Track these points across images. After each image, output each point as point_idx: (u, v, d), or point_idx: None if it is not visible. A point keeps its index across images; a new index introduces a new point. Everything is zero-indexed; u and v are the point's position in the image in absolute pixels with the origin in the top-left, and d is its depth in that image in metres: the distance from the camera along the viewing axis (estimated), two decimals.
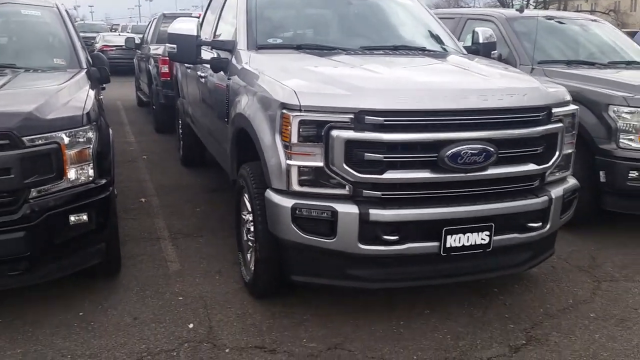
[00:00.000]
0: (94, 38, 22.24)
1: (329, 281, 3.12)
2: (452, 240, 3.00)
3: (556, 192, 3.31)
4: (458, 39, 6.41)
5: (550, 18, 6.37)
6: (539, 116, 3.15)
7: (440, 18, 6.94)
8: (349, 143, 2.85)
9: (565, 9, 46.64)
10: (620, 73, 5.26)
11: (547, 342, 3.13)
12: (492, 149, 2.99)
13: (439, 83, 3.25)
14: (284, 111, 2.91)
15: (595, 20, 6.67)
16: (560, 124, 3.28)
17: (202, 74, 4.94)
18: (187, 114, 6.34)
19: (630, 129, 4.54)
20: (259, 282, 3.42)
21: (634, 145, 4.54)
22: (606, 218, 5.00)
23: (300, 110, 2.87)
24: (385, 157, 2.87)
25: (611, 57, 5.87)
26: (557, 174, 3.41)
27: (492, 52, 4.86)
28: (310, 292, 3.55)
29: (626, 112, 4.55)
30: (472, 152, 2.94)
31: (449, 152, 2.91)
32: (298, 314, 3.36)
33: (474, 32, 4.79)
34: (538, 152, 3.18)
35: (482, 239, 3.07)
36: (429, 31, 4.60)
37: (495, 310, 3.48)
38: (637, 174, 4.52)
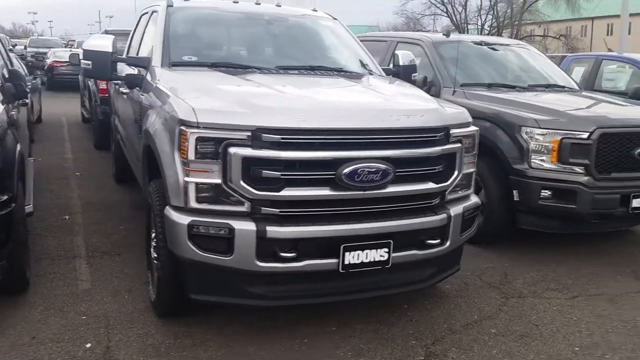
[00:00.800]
0: (45, 53, 21.76)
1: (228, 299, 3.10)
2: (351, 257, 3.04)
3: (456, 210, 3.40)
4: (389, 62, 6.60)
5: (479, 43, 6.60)
6: (436, 136, 3.24)
7: (373, 41, 7.17)
8: (247, 160, 2.87)
9: (517, 34, 48.47)
10: (536, 96, 5.48)
11: (445, 358, 3.18)
12: (389, 168, 3.05)
13: (339, 103, 3.32)
14: (182, 128, 2.91)
15: (521, 46, 6.95)
16: (459, 145, 3.38)
17: (125, 91, 4.90)
18: (117, 130, 6.26)
19: (542, 150, 4.72)
20: (161, 301, 3.38)
21: (545, 165, 4.72)
22: (522, 236, 5.15)
23: (197, 127, 2.87)
24: (283, 175, 2.90)
25: (532, 80, 6.11)
26: (459, 192, 3.51)
27: (413, 74, 4.99)
28: (217, 311, 3.52)
29: (538, 134, 4.73)
30: (370, 170, 3.00)
31: (346, 170, 2.95)
32: (201, 333, 3.32)
33: (394, 55, 4.92)
34: (437, 171, 3.27)
35: (380, 255, 3.12)
36: (349, 53, 4.70)
37: (401, 327, 3.52)
38: (548, 193, 4.69)
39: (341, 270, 3.04)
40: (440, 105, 3.47)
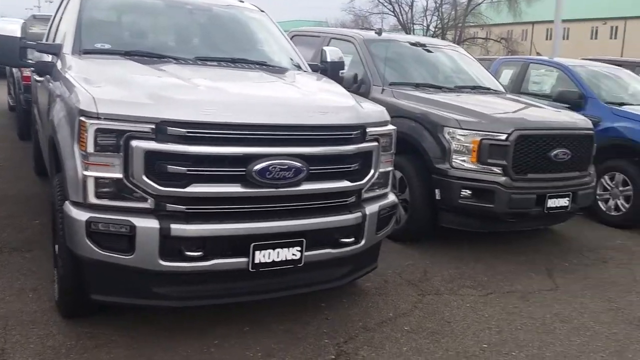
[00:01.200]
0: None
1: (131, 300, 2.97)
2: (261, 256, 2.98)
3: (371, 208, 3.40)
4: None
5: (412, 43, 6.66)
6: (351, 134, 3.22)
7: (307, 36, 7.11)
8: (150, 154, 2.75)
9: (461, 36, 49.65)
10: (461, 97, 5.57)
11: (355, 357, 3.18)
12: (303, 165, 3.01)
13: (253, 97, 3.24)
14: (82, 118, 2.76)
15: (452, 48, 7.07)
16: (376, 143, 3.38)
17: (38, 79, 4.65)
18: (35, 120, 5.95)
19: (463, 150, 4.80)
20: (64, 301, 3.21)
21: (465, 165, 4.80)
22: (445, 234, 5.24)
23: (98, 118, 2.73)
24: (189, 170, 2.80)
25: (460, 82, 6.22)
26: (376, 190, 3.51)
27: (341, 71, 4.96)
28: (126, 311, 3.38)
29: (459, 134, 4.81)
30: (282, 167, 2.95)
31: (257, 167, 2.89)
32: (106, 334, 3.18)
33: (322, 51, 4.88)
34: (352, 169, 3.25)
35: (293, 254, 3.07)
36: (273, 47, 4.63)
37: (316, 325, 3.49)
38: (468, 192, 4.78)
39: (251, 270, 2.97)
40: (357, 103, 3.45)
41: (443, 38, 49.77)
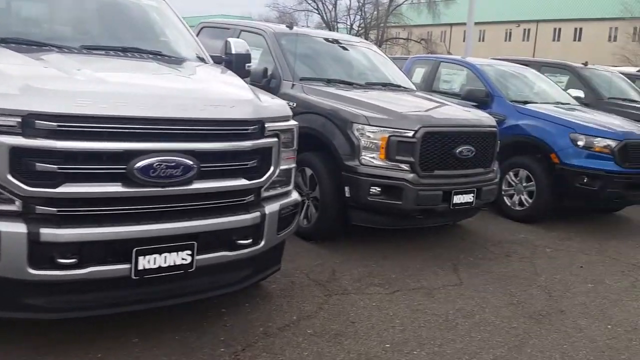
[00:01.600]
0: None
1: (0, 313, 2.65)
2: (146, 262, 2.74)
3: (271, 207, 3.24)
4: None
5: (326, 39, 6.56)
6: (248, 130, 3.05)
7: (217, 28, 6.85)
8: (16, 151, 2.46)
9: (383, 35, 50.60)
10: (371, 94, 5.53)
11: None
12: (193, 162, 2.80)
13: (137, 88, 2.98)
14: None
15: (366, 45, 7.04)
16: (275, 139, 3.23)
17: None
18: None
19: (372, 147, 4.75)
20: None
21: (375, 162, 4.75)
22: (356, 232, 5.18)
23: None
24: (61, 168, 2.52)
25: (372, 79, 6.19)
26: (277, 189, 3.36)
27: (247, 64, 4.76)
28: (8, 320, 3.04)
29: (368, 131, 4.75)
30: (168, 165, 2.73)
31: (139, 164, 2.65)
32: None
33: (226, 42, 4.66)
34: (249, 166, 3.08)
35: (182, 259, 2.86)
36: (171, 37, 4.36)
37: (213, 333, 3.29)
38: (377, 189, 4.73)
39: (134, 277, 2.73)
40: (256, 97, 3.28)
41: (366, 37, 50.73)
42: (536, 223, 6.43)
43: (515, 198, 6.60)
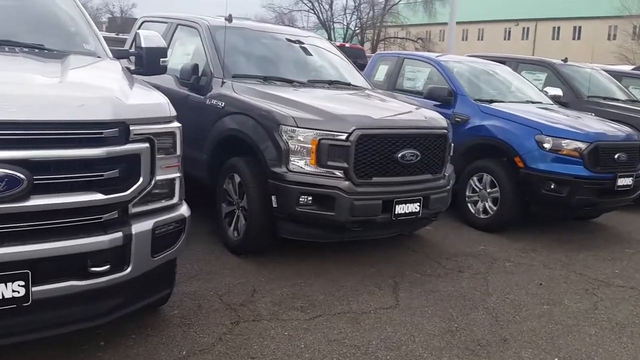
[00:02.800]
0: None
1: None
2: None
3: (141, 226, 2.74)
4: (168, 45, 5.83)
5: (269, 32, 6.09)
6: (100, 134, 2.54)
7: (156, 22, 6.36)
8: None
9: (379, 35, 50.05)
10: (309, 92, 5.02)
11: None
12: (21, 174, 2.30)
13: None
14: None
15: (316, 39, 6.52)
16: (146, 145, 2.72)
17: None
18: None
19: (301, 152, 4.24)
20: None
21: (305, 168, 4.24)
22: (291, 245, 4.67)
23: None
24: None
25: (316, 76, 5.67)
26: (152, 203, 2.85)
27: (162, 59, 4.25)
28: None
29: (296, 134, 4.24)
30: None
31: None
32: None
33: (135, 35, 4.16)
34: (105, 178, 2.57)
35: (14, 290, 2.36)
36: (63, 28, 3.86)
37: None
38: (307, 198, 4.22)
39: None
40: (121, 95, 2.77)
41: (362, 37, 50.20)
42: (501, 232, 5.91)
43: (480, 205, 6.08)
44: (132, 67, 4.04)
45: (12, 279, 2.35)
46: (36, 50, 3.40)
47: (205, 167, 5.05)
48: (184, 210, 3.05)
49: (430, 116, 4.91)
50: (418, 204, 4.56)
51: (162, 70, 4.27)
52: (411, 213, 4.54)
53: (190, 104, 5.25)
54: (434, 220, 5.22)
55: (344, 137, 4.22)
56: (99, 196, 2.56)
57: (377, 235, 4.78)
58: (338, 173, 4.25)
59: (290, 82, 5.24)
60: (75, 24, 3.97)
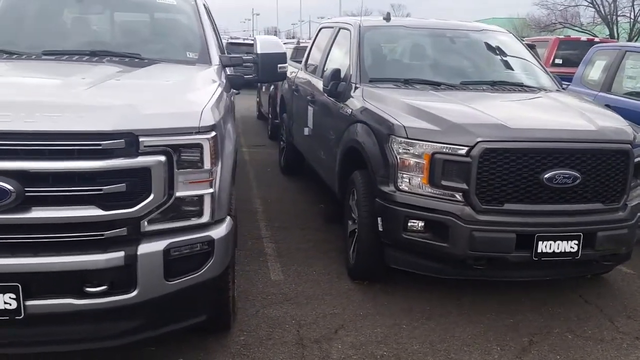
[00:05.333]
0: None
1: None
2: None
3: (149, 246, 2.49)
4: (328, 49, 5.64)
5: (436, 29, 5.38)
6: (99, 145, 2.36)
7: (329, 28, 6.20)
8: None
9: None
10: (450, 96, 4.20)
11: None
12: (8, 186, 2.24)
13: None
14: None
15: (501, 32, 5.54)
16: (160, 158, 2.46)
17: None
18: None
19: (412, 167, 3.53)
20: None
21: (416, 188, 3.52)
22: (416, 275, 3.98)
23: None
24: None
25: (476, 76, 4.77)
26: (174, 222, 2.58)
27: (280, 65, 4.01)
28: None
29: (408, 146, 3.55)
30: None
31: None
32: None
33: (254, 41, 4.01)
34: (105, 192, 2.38)
35: (5, 302, 2.33)
36: (171, 37, 3.87)
37: None
38: (417, 224, 3.51)
39: None
40: (144, 103, 2.57)
41: None
42: None
43: None
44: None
45: (3, 290, 2.32)
46: (126, 60, 3.45)
47: (336, 179, 4.67)
48: (218, 230, 2.71)
49: (605, 125, 3.66)
50: (576, 241, 3.43)
51: (280, 77, 4.08)
52: (564, 253, 3.43)
53: (330, 111, 4.94)
54: (612, 267, 3.90)
55: (463, 151, 3.38)
56: (96, 211, 2.39)
57: (517, 277, 3.73)
58: (457, 196, 3.43)
59: (436, 85, 4.49)
60: (189, 34, 3.99)
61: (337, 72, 4.77)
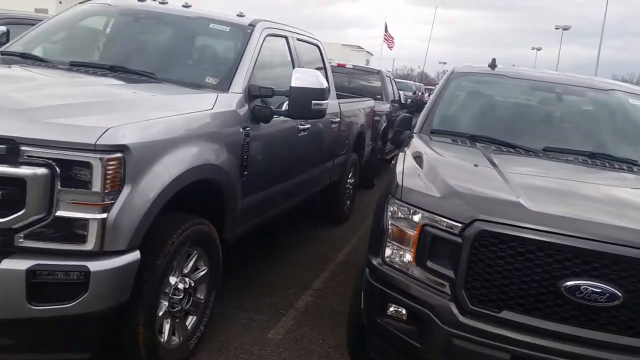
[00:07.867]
0: None
1: None
2: None
3: (13, 263, 2.32)
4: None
5: (548, 82, 4.41)
6: None
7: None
8: None
9: None
10: (497, 157, 3.30)
11: None
12: None
13: None
14: None
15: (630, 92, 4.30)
16: (41, 170, 2.30)
17: None
18: None
19: (403, 239, 2.79)
20: None
21: (404, 266, 2.78)
22: None
23: None
24: None
25: (573, 143, 3.71)
26: (52, 242, 2.37)
27: (315, 102, 3.68)
28: None
29: (400, 211, 2.83)
30: None
31: None
32: None
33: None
34: None
35: None
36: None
37: None
38: (397, 311, 2.76)
39: None
40: (34, 110, 2.44)
41: None
42: None
43: None
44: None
45: None
46: (133, 76, 3.46)
47: None
48: (100, 263, 2.42)
49: None
50: None
51: (314, 114, 3.71)
52: None
53: None
54: None
55: (456, 229, 2.56)
56: None
57: None
58: (446, 286, 2.60)
59: (509, 146, 3.59)
60: (221, 60, 3.88)
61: (408, 119, 4.19)
